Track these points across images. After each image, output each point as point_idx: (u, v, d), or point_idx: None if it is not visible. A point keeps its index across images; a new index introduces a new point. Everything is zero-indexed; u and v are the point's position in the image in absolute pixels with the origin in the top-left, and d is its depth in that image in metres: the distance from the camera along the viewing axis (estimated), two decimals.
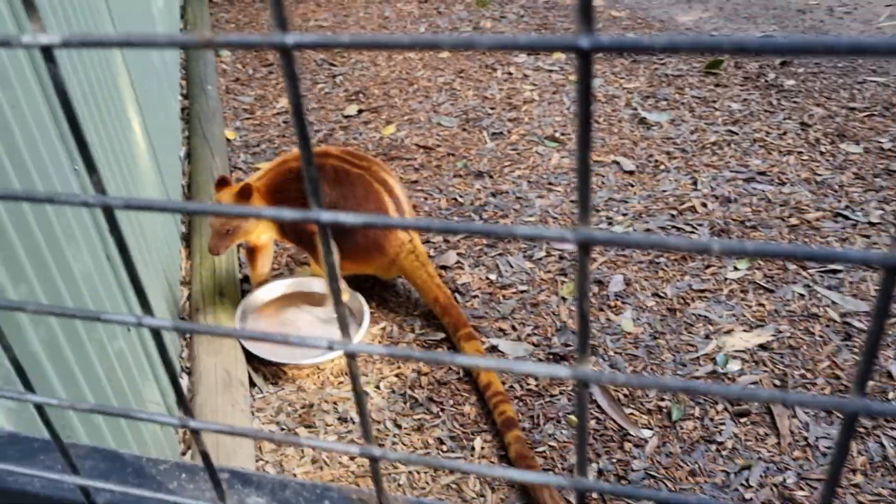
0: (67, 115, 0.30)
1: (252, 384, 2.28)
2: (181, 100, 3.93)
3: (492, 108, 3.84)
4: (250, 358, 2.34)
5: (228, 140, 3.66)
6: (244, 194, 2.34)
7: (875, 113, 3.57)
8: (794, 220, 2.83)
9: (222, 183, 2.41)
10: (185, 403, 0.40)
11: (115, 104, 2.14)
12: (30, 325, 1.19)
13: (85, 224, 1.61)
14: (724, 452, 2.00)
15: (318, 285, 2.58)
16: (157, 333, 0.37)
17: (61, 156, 1.51)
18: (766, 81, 3.97)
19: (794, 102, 3.72)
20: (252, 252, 2.56)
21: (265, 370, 2.33)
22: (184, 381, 2.20)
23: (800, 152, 3.29)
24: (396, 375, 2.29)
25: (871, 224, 2.78)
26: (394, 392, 2.24)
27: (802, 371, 2.20)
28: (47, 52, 0.29)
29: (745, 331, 2.36)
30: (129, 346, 1.72)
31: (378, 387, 2.26)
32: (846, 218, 2.83)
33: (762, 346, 2.30)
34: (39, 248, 1.27)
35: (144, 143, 2.52)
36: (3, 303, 0.38)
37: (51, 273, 1.32)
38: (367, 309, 2.43)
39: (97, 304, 1.57)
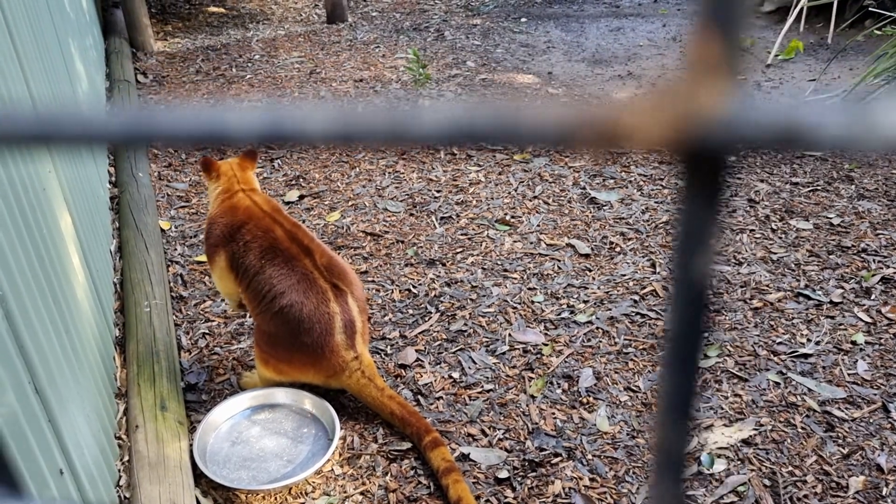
0: None
1: None
2: (110, 188, 3.71)
3: (438, 191, 3.74)
4: (198, 478, 2.11)
5: (163, 230, 3.44)
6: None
7: (818, 188, 3.62)
8: (756, 302, 2.78)
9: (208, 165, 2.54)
10: None
11: (38, 196, 1.93)
12: None
13: (9, 356, 1.40)
14: None
15: (284, 396, 2.37)
16: None
17: None
18: None
19: (738, 178, 3.74)
20: None
21: (215, 493, 2.10)
22: None
23: (752, 230, 3.27)
24: (362, 493, 2.09)
25: (834, 304, 2.75)
26: None
27: (790, 468, 2.10)
28: None
29: (725, 425, 2.26)
30: (62, 493, 1.50)
31: None
32: (808, 298, 2.80)
33: (745, 442, 2.19)
34: None
35: (73, 238, 2.30)
36: None
37: None
38: (337, 421, 2.22)
39: (23, 452, 1.35)
